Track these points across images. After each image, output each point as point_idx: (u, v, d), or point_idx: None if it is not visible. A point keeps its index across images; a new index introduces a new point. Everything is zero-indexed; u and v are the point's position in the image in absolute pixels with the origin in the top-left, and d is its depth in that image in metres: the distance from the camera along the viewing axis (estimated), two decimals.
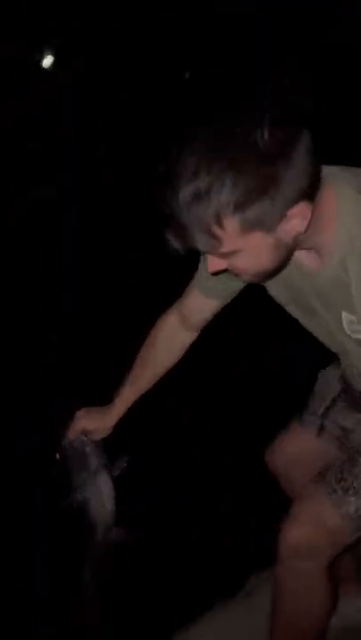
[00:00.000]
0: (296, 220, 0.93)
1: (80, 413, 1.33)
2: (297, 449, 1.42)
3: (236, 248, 0.94)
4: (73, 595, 1.36)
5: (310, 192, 0.93)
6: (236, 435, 2.26)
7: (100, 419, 1.32)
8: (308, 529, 1.15)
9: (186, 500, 2.01)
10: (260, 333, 2.65)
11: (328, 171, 0.99)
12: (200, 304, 1.25)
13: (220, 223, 0.90)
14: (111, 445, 1.33)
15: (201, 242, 0.92)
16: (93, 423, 1.32)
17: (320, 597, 1.22)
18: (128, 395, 1.33)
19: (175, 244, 0.94)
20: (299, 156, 0.90)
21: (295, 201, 0.91)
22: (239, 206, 0.88)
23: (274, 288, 1.18)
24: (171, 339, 1.32)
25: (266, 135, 0.87)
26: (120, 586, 1.54)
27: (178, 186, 0.89)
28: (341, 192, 0.99)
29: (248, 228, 0.91)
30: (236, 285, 1.20)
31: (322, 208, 0.97)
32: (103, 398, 1.33)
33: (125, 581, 1.62)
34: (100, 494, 1.27)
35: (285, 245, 0.96)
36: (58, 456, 1.30)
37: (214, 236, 0.91)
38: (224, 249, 0.94)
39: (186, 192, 0.88)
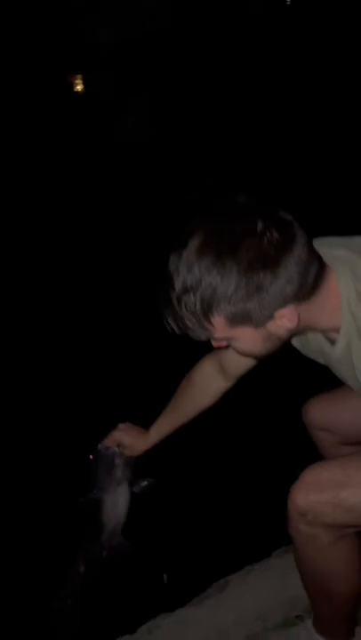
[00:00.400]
0: (284, 319, 1.00)
1: (121, 426, 1.47)
2: (344, 409, 1.44)
3: (227, 336, 1.03)
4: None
5: (299, 295, 0.99)
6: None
7: (135, 439, 1.46)
8: (321, 497, 1.11)
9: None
10: None
11: (327, 251, 1.06)
12: (237, 360, 1.31)
13: (207, 317, 0.98)
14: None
15: (194, 330, 1.01)
16: (129, 440, 1.45)
17: (338, 567, 1.20)
18: (163, 428, 1.47)
19: (173, 327, 1.03)
20: (287, 266, 0.95)
21: (281, 305, 0.98)
22: (225, 304, 0.96)
23: (297, 344, 1.26)
24: (208, 385, 1.43)
25: (260, 240, 0.94)
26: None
27: (174, 277, 0.98)
28: (341, 278, 1.05)
29: (235, 323, 0.99)
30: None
31: (325, 297, 1.03)
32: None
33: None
34: (115, 501, 1.40)
35: (278, 336, 1.05)
36: (91, 456, 1.43)
37: (204, 327, 1.00)
38: (216, 336, 1.03)
39: (179, 284, 0.97)
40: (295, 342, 1.28)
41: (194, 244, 0.96)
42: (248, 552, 1.77)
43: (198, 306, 0.97)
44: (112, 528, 1.40)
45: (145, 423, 2.06)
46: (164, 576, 1.78)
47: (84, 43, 7.02)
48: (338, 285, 1.04)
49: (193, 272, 0.95)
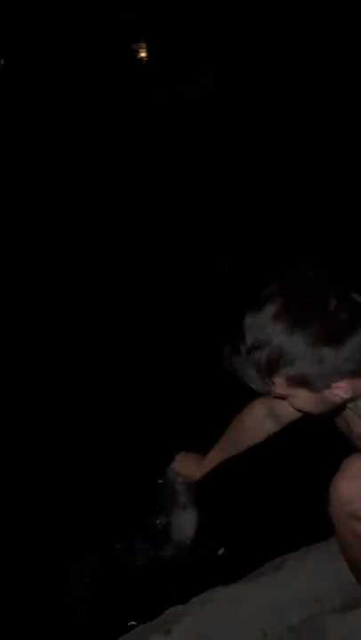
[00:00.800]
0: (340, 390, 1.09)
1: (179, 457, 1.69)
2: None
3: (285, 394, 1.12)
4: None
5: (357, 372, 1.06)
6: None
7: (190, 468, 1.67)
8: (354, 486, 1.13)
9: None
10: None
11: None
12: (290, 410, 1.34)
13: (271, 375, 1.08)
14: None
15: (257, 384, 1.11)
16: (185, 469, 1.67)
17: None
18: (215, 460, 1.64)
19: (239, 375, 1.12)
20: (350, 345, 1.04)
21: (339, 379, 1.07)
22: (289, 368, 1.05)
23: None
24: (258, 428, 1.55)
25: (330, 318, 1.03)
26: None
27: (247, 333, 1.07)
28: None
29: (294, 384, 1.08)
30: None
31: None
32: None
33: None
34: (181, 525, 1.64)
35: (332, 403, 1.13)
36: (160, 481, 1.68)
37: (266, 383, 1.10)
38: (276, 393, 1.12)
39: (250, 340, 1.07)
40: None
41: (271, 308, 1.05)
42: (306, 533, 1.72)
43: (264, 363, 1.06)
44: (176, 548, 1.65)
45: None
46: (221, 549, 1.77)
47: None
48: None
49: (266, 332, 1.05)
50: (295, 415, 1.44)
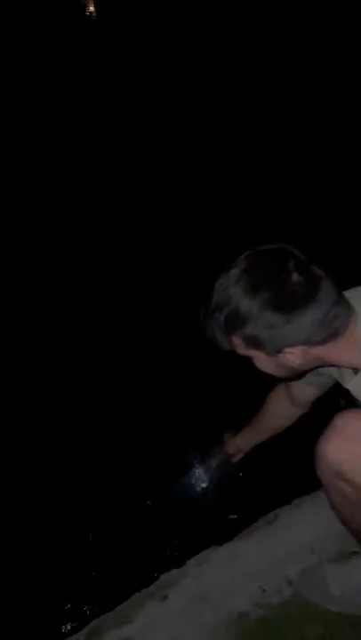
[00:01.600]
0: (292, 356, 1.14)
1: (227, 435, 1.81)
2: None
3: (247, 354, 1.18)
4: None
5: (309, 342, 1.11)
6: None
7: (232, 447, 1.79)
8: (348, 447, 1.11)
9: None
10: None
11: (355, 302, 1.15)
12: (303, 390, 1.49)
13: (228, 334, 1.15)
14: None
15: (220, 342, 1.17)
16: (232, 449, 1.80)
17: None
18: (247, 444, 1.77)
19: (209, 336, 1.18)
20: (302, 316, 1.08)
21: (289, 345, 1.11)
22: (242, 329, 1.11)
23: None
24: (282, 412, 1.62)
25: (285, 286, 1.07)
26: None
27: (213, 294, 1.14)
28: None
29: (250, 346, 1.14)
30: (328, 379, 1.37)
31: (346, 343, 1.13)
32: None
33: None
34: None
35: (290, 368, 1.18)
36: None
37: (228, 341, 1.16)
38: (239, 352, 1.18)
39: (214, 301, 1.14)
40: None
41: (234, 273, 1.12)
42: (296, 486, 1.69)
43: (222, 323, 1.13)
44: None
45: (145, 423, 2.20)
46: (233, 516, 1.77)
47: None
48: (357, 331, 1.13)
49: (226, 294, 1.12)
50: (309, 394, 1.49)
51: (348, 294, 1.18)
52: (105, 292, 3.14)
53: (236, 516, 1.75)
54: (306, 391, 1.49)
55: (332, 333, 1.10)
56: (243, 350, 1.17)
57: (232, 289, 1.10)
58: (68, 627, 1.41)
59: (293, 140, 4.66)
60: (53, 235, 3.72)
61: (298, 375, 1.27)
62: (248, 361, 1.20)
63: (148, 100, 5.66)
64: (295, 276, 1.08)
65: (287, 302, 1.07)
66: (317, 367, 1.25)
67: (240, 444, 1.78)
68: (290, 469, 1.81)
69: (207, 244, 3.34)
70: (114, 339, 2.80)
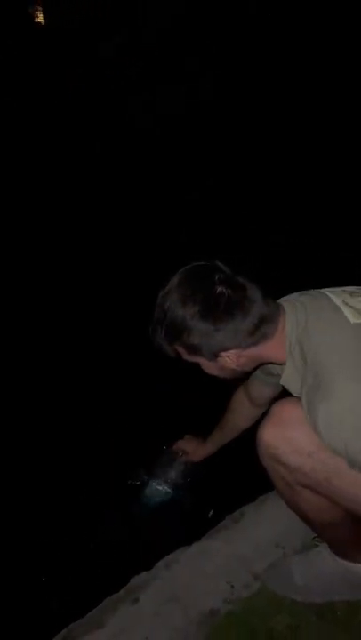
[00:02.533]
0: (229, 360, 1.24)
1: (187, 436, 1.89)
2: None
3: (192, 360, 1.27)
4: None
5: (240, 346, 1.20)
6: None
7: (194, 448, 1.86)
8: (280, 431, 1.17)
9: None
10: None
11: (287, 305, 1.25)
12: (261, 391, 1.55)
13: (171, 345, 1.25)
14: None
15: (168, 352, 1.27)
16: (189, 448, 1.87)
17: (308, 506, 1.25)
18: (213, 445, 1.80)
19: (156, 347, 1.27)
20: (233, 323, 1.18)
21: (224, 350, 1.21)
22: (181, 339, 1.22)
23: None
24: (243, 413, 1.67)
25: (213, 299, 1.18)
26: None
27: (155, 307, 1.24)
28: (288, 323, 1.22)
29: (191, 353, 1.25)
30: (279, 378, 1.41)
31: (276, 343, 1.22)
32: None
33: None
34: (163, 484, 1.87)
35: (230, 369, 1.27)
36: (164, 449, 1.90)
37: (173, 350, 1.26)
38: (185, 359, 1.27)
39: (155, 314, 1.24)
40: None
41: (168, 287, 1.23)
42: (260, 483, 1.73)
43: (164, 336, 1.24)
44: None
45: (145, 423, 2.23)
46: (210, 511, 1.81)
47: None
48: (286, 331, 1.22)
49: (163, 309, 1.22)
50: (266, 394, 1.53)
51: (293, 296, 1.28)
52: (105, 291, 3.15)
53: (212, 511, 1.77)
54: (263, 391, 1.54)
55: (261, 336, 1.20)
56: (187, 357, 1.27)
57: (167, 304, 1.22)
58: (40, 636, 1.41)
59: (293, 140, 4.73)
60: (53, 235, 3.73)
61: (241, 376, 1.35)
62: (196, 367, 1.30)
63: (148, 100, 5.74)
64: (219, 288, 1.18)
65: (213, 312, 1.18)
66: (260, 365, 1.33)
67: (208, 446, 1.82)
68: (253, 467, 1.86)
69: (207, 244, 3.36)
70: (114, 339, 2.80)
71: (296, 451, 1.15)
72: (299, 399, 1.18)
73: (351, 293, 1.24)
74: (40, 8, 7.53)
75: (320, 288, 1.32)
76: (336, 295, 1.23)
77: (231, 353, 1.22)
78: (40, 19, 7.62)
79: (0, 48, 6.71)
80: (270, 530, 1.63)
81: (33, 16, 7.62)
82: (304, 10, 6.65)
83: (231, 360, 1.23)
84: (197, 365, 1.29)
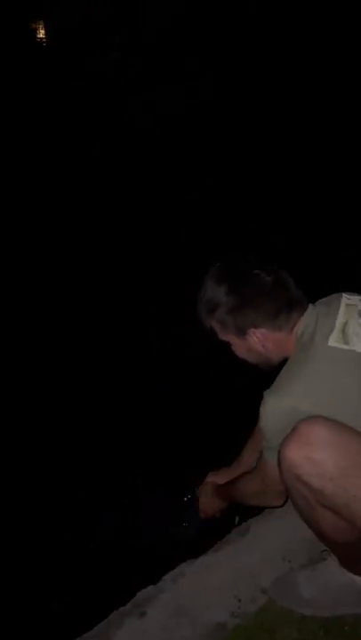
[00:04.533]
0: (255, 338, 1.36)
1: (211, 474, 1.83)
2: None
3: (225, 339, 1.40)
4: None
5: (267, 325, 1.33)
6: None
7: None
8: (304, 452, 1.16)
9: None
10: None
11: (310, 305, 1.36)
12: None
13: (208, 320, 1.39)
14: None
15: (207, 326, 1.40)
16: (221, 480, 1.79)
17: (325, 525, 1.26)
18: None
19: (203, 325, 1.41)
20: (262, 301, 1.32)
21: (252, 326, 1.34)
22: (214, 313, 1.37)
23: None
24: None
25: (251, 278, 1.33)
26: None
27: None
28: (305, 318, 1.34)
29: (223, 330, 1.38)
30: None
31: (291, 334, 1.34)
32: None
33: None
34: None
35: (257, 352, 1.39)
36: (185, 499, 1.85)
37: (210, 325, 1.40)
38: (220, 338, 1.40)
39: (200, 293, 1.40)
40: None
41: (212, 270, 1.38)
42: None
43: (203, 310, 1.38)
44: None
45: (146, 422, 2.22)
46: (236, 518, 1.78)
47: None
48: (300, 324, 1.34)
49: (205, 286, 1.38)
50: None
51: (320, 300, 1.39)
52: (105, 292, 3.16)
53: (238, 518, 1.77)
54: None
55: (286, 320, 1.33)
56: (222, 336, 1.40)
57: (207, 283, 1.37)
58: None
59: (293, 140, 4.73)
60: (53, 234, 3.73)
61: (266, 366, 1.42)
62: (228, 348, 1.42)
63: (147, 100, 5.77)
64: (255, 270, 1.33)
65: (244, 289, 1.33)
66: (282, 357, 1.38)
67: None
68: None
69: (207, 243, 3.37)
70: (114, 339, 2.81)
71: (319, 474, 1.15)
72: (326, 419, 1.18)
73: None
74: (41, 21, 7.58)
75: (320, 288, 1.43)
76: (344, 312, 1.31)
77: (258, 332, 1.34)
78: (41, 30, 7.69)
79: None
80: (277, 543, 1.63)
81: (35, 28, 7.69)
82: (304, 9, 6.71)
83: (258, 340, 1.35)
84: (229, 346, 1.40)
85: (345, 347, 1.25)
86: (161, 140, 5.00)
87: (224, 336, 1.40)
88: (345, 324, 1.28)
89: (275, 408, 1.25)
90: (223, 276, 1.36)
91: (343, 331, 1.27)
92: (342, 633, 1.43)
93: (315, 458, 1.15)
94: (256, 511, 1.70)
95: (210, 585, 1.55)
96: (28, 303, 3.10)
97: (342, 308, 1.32)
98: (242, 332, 1.35)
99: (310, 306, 1.37)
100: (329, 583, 1.41)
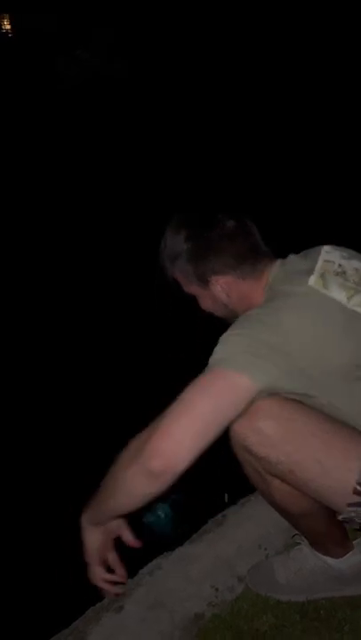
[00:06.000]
0: (219, 287, 1.29)
1: None
2: None
3: (190, 292, 1.34)
4: None
5: (230, 272, 1.27)
6: None
7: None
8: (248, 423, 1.16)
9: None
10: None
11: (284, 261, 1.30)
12: None
13: (171, 272, 1.33)
14: None
15: (171, 278, 1.33)
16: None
17: (280, 498, 1.27)
18: None
19: (166, 275, 1.35)
20: (224, 247, 1.26)
21: (214, 273, 1.28)
22: (175, 264, 1.31)
23: None
24: None
25: (210, 225, 1.26)
26: None
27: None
28: (273, 268, 1.28)
29: (186, 281, 1.32)
30: None
31: (259, 283, 1.27)
32: None
33: None
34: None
35: (223, 303, 1.31)
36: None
37: (173, 277, 1.33)
38: (186, 291, 1.34)
39: (160, 247, 1.33)
40: None
41: (173, 219, 1.32)
42: (241, 487, 1.74)
43: (164, 262, 1.32)
44: None
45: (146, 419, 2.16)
46: (225, 495, 1.77)
47: None
48: (269, 274, 1.27)
49: (165, 237, 1.32)
50: None
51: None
52: (105, 292, 3.18)
53: (227, 495, 1.76)
54: None
55: (250, 270, 1.27)
56: (186, 287, 1.33)
57: (167, 233, 1.31)
58: None
59: (293, 140, 4.76)
60: (53, 234, 3.75)
61: (232, 315, 1.29)
62: (195, 303, 1.36)
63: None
64: (219, 216, 1.27)
65: (205, 236, 1.26)
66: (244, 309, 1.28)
67: None
68: (234, 471, 1.87)
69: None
70: (114, 339, 2.83)
71: (262, 441, 1.16)
72: (277, 395, 1.18)
73: (339, 272, 1.23)
74: None
75: None
76: (322, 266, 1.24)
77: (222, 279, 1.27)
78: None
79: None
80: (253, 532, 1.64)
81: None
82: (304, 9, 6.69)
83: (222, 288, 1.28)
84: (195, 300, 1.34)
85: (325, 291, 1.18)
86: (162, 139, 4.98)
87: (188, 287, 1.33)
88: (322, 274, 1.21)
89: (240, 333, 1.14)
90: (182, 224, 1.30)
91: (323, 276, 1.20)
92: (318, 617, 1.44)
93: (257, 426, 1.15)
94: (247, 489, 1.69)
95: (187, 576, 1.55)
96: (28, 301, 3.12)
97: (320, 263, 1.24)
98: (204, 281, 1.29)
99: (280, 260, 1.30)
100: (302, 567, 1.42)
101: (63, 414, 2.39)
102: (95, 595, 1.49)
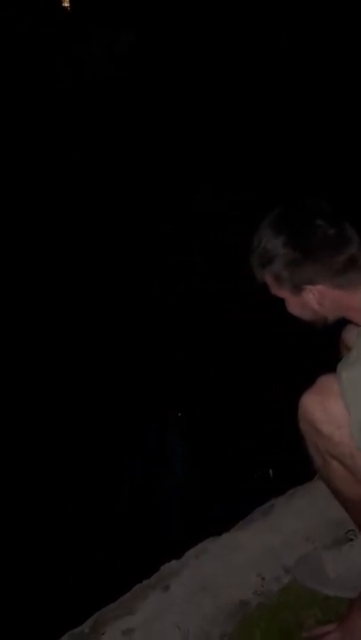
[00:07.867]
0: (312, 296, 1.25)
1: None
2: None
3: (279, 295, 1.30)
4: None
5: (329, 281, 1.22)
6: None
7: None
8: (316, 398, 1.19)
9: None
10: None
11: None
12: None
13: (261, 272, 1.28)
14: None
15: (260, 279, 1.30)
16: None
17: (339, 480, 1.26)
18: None
19: (255, 274, 1.30)
20: (322, 256, 1.21)
21: (309, 282, 1.23)
22: (270, 266, 1.26)
23: None
24: None
25: (311, 230, 1.21)
26: None
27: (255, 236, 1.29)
28: None
29: (277, 284, 1.27)
30: None
31: (351, 299, 1.23)
32: None
33: None
34: None
35: (312, 310, 1.27)
36: None
37: (263, 279, 1.29)
38: (273, 293, 1.30)
39: (253, 242, 1.28)
40: None
41: (270, 218, 1.27)
42: (290, 477, 1.73)
43: (257, 262, 1.27)
44: None
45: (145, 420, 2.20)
46: (270, 471, 1.78)
47: None
48: None
49: (261, 236, 1.26)
50: None
51: None
52: (105, 292, 3.18)
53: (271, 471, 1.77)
54: None
55: (348, 280, 1.22)
56: (274, 290, 1.30)
57: (263, 232, 1.27)
58: (72, 618, 1.42)
59: (293, 140, 4.71)
60: (53, 233, 3.76)
61: (320, 324, 1.32)
62: (282, 304, 1.33)
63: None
64: (318, 221, 1.22)
65: (304, 242, 1.22)
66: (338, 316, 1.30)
67: None
68: (283, 462, 1.86)
69: (207, 243, 3.36)
70: (114, 339, 2.84)
71: (329, 420, 1.18)
72: None
73: None
74: None
75: None
76: None
77: (315, 289, 1.23)
78: None
79: None
80: (300, 523, 1.62)
81: None
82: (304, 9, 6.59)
83: (314, 297, 1.24)
84: (282, 302, 1.31)
85: None
86: (161, 139, 4.95)
87: (277, 291, 1.29)
88: None
89: (353, 379, 1.16)
90: (282, 226, 1.24)
91: None
92: None
93: (325, 405, 1.19)
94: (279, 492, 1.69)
95: (233, 562, 1.55)
96: (29, 303, 3.12)
97: None
98: (298, 288, 1.25)
99: None
100: (354, 562, 1.40)
101: (63, 414, 2.40)
102: (141, 573, 1.52)
